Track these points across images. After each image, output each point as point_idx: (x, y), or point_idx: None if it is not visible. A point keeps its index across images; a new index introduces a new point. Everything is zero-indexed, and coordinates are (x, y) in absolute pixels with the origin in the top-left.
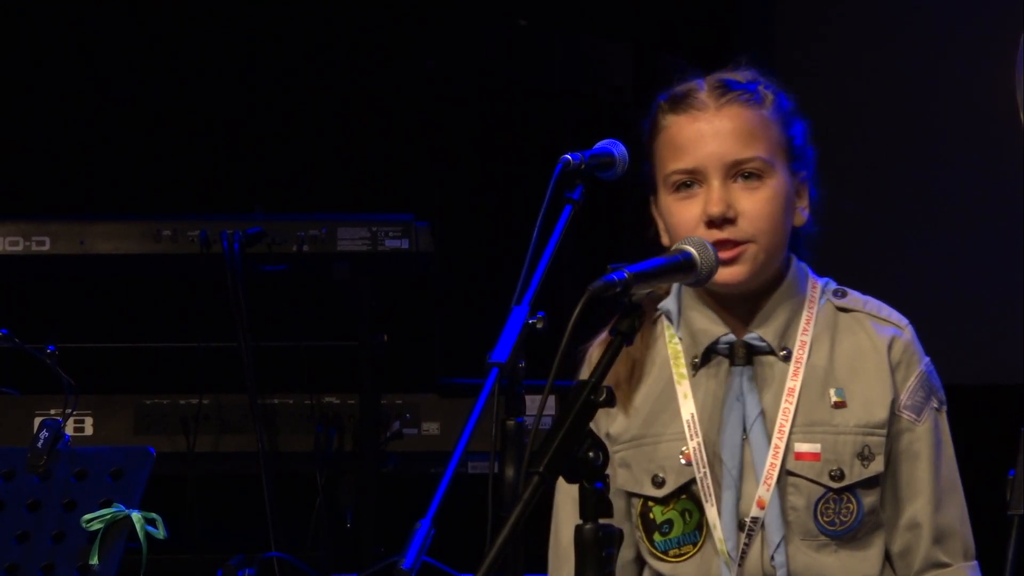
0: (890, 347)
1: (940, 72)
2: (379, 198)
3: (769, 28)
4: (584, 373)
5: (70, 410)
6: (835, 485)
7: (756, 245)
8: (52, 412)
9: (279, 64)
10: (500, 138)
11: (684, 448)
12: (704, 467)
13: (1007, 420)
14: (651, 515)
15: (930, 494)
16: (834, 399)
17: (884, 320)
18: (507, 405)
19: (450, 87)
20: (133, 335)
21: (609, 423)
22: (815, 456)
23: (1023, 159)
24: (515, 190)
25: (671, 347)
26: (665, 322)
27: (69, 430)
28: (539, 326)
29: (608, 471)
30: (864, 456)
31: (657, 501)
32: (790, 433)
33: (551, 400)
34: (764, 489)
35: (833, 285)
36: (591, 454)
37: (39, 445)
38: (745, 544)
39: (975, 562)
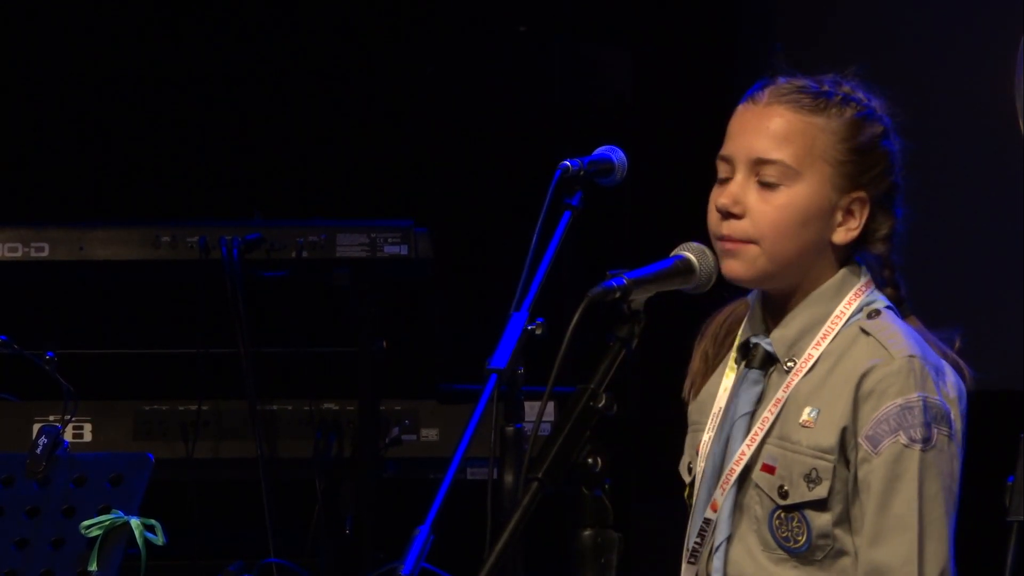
0: (865, 375)
1: (939, 78)
2: (378, 204)
3: (769, 35)
4: (698, 343)
5: (69, 416)
6: (781, 502)
7: (757, 247)
8: (51, 418)
9: (278, 70)
10: (499, 144)
11: (704, 439)
12: (703, 461)
13: (1007, 426)
14: (689, 501)
15: (869, 528)
16: (804, 418)
17: (882, 347)
18: (506, 411)
19: (450, 93)
20: (132, 341)
21: (689, 406)
22: (772, 470)
23: (1023, 166)
24: (514, 196)
25: (737, 339)
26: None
27: (68, 436)
28: (538, 332)
29: None
30: (811, 479)
31: (691, 488)
32: (762, 442)
33: (550, 406)
34: (719, 492)
35: (879, 305)
36: (590, 460)
37: (38, 451)
38: (696, 543)
39: None
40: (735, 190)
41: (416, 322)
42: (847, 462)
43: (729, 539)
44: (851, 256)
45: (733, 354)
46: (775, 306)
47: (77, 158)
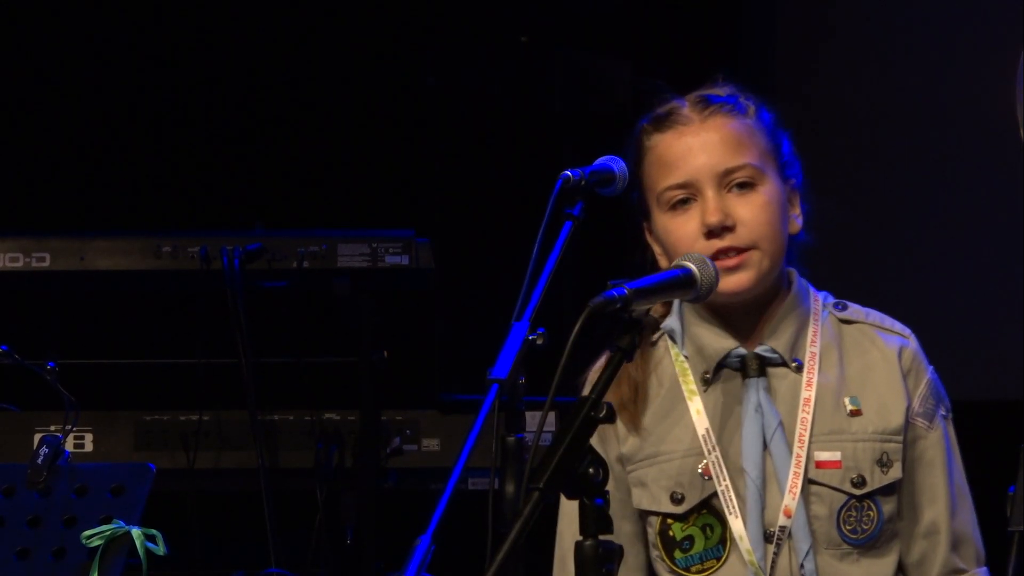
0: (900, 355)
1: (940, 87)
2: (379, 214)
3: (770, 44)
4: (618, 374)
5: (70, 426)
6: (857, 492)
7: (759, 251)
8: (52, 428)
9: (280, 80)
10: (500, 154)
11: (703, 463)
12: (725, 480)
13: (1007, 436)
14: (670, 532)
15: (946, 500)
16: (850, 407)
17: (889, 330)
18: (507, 421)
19: (451, 103)
20: (133, 351)
21: (620, 445)
22: (836, 464)
23: (1023, 175)
24: (515, 206)
25: (678, 365)
26: (668, 341)
27: (69, 446)
28: (539, 342)
29: (610, 489)
30: (883, 463)
31: (676, 518)
32: (809, 442)
33: (551, 416)
34: (790, 498)
35: (832, 299)
36: (591, 470)
37: (39, 461)
38: (775, 554)
39: (986, 568)
40: (718, 205)
41: (417, 332)
42: (904, 441)
43: (812, 546)
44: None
45: (684, 378)
46: (742, 315)
47: (78, 168)
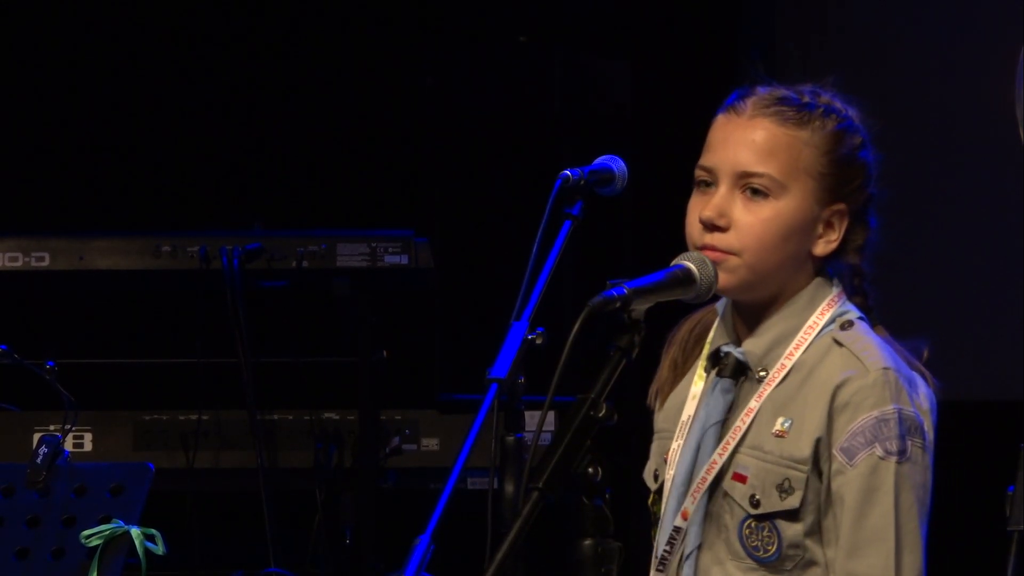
0: (840, 386)
1: (939, 88)
2: (378, 214)
3: (769, 45)
4: (665, 351)
5: (69, 426)
6: (752, 511)
7: (739, 259)
8: (51, 428)
9: (279, 80)
10: (499, 154)
11: (672, 447)
12: (671, 469)
13: (1007, 436)
14: (654, 508)
15: (845, 540)
16: (777, 428)
17: (856, 359)
18: (506, 421)
19: (450, 103)
20: (132, 351)
21: (656, 414)
22: (743, 479)
23: (1023, 175)
24: (514, 206)
25: (705, 348)
26: (716, 322)
27: (68, 446)
28: (538, 342)
29: None
30: (783, 488)
31: (656, 495)
32: (734, 451)
33: (551, 416)
34: (690, 500)
35: (852, 316)
36: (590, 470)
37: (38, 461)
38: (666, 551)
39: None
40: (719, 202)
41: (416, 332)
42: (820, 473)
43: (699, 548)
44: (825, 266)
45: (702, 363)
46: (748, 316)
47: (77, 168)
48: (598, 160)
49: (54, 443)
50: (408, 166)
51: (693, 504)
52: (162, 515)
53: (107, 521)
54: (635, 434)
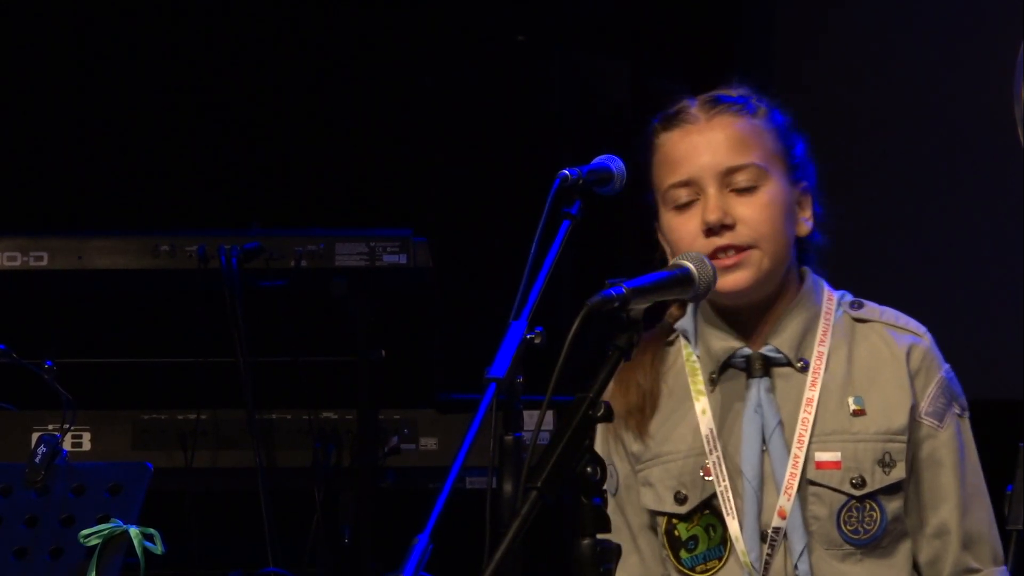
0: (909, 354)
1: (938, 88)
2: (377, 213)
3: (768, 45)
4: (623, 392)
5: (68, 425)
6: (857, 493)
7: (759, 251)
8: (50, 427)
9: (277, 79)
10: (498, 153)
11: (705, 463)
12: (724, 480)
13: (1006, 436)
14: (676, 532)
15: (956, 500)
16: (853, 407)
17: (902, 328)
18: (505, 420)
19: (449, 102)
20: (131, 350)
21: (630, 443)
22: (836, 464)
23: (1022, 174)
24: (513, 205)
25: (689, 365)
26: (682, 341)
27: (67, 445)
28: (537, 341)
29: (606, 487)
30: (885, 463)
31: (681, 518)
32: (809, 443)
33: (549, 415)
34: (785, 499)
35: (849, 297)
36: (589, 469)
37: (37, 460)
38: (768, 555)
39: (1004, 567)
40: (718, 203)
41: (415, 331)
42: (909, 440)
43: (808, 546)
44: (799, 251)
45: (693, 378)
46: (745, 317)
47: (76, 167)
48: (597, 160)
49: (52, 442)
50: (407, 166)
51: (789, 502)
52: (161, 514)
53: (106, 520)
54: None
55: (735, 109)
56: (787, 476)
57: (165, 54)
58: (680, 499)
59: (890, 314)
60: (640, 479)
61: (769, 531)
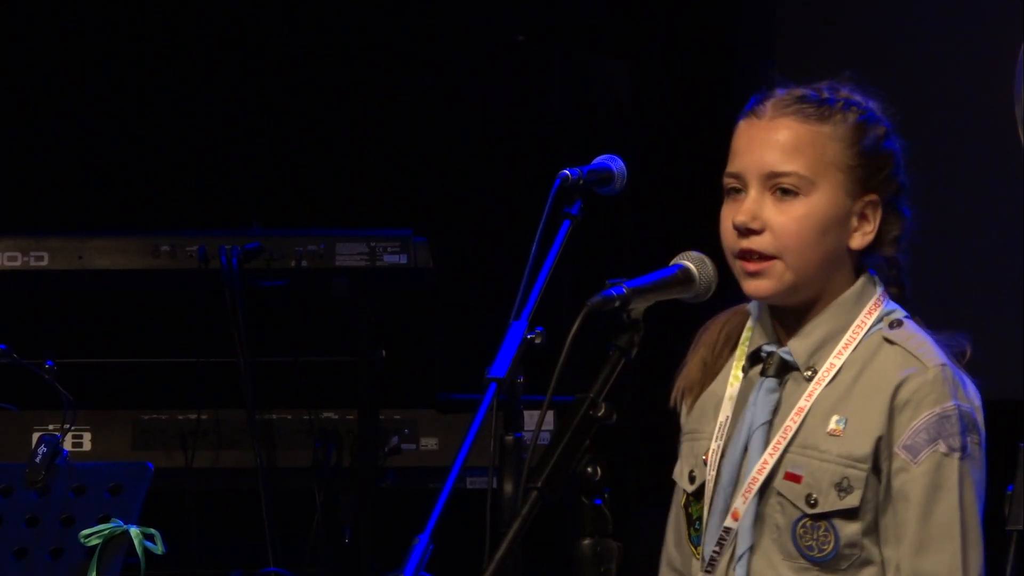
0: (900, 384)
1: (938, 87)
2: (377, 213)
3: (767, 45)
4: (693, 351)
5: (68, 425)
6: (809, 511)
7: (782, 263)
8: (50, 427)
9: (278, 80)
10: (498, 153)
11: (709, 448)
12: (713, 471)
13: (1006, 436)
14: (690, 509)
15: (912, 538)
16: (832, 427)
17: (913, 357)
18: (506, 420)
19: (449, 103)
20: (131, 351)
21: (684, 413)
22: (798, 479)
23: (1022, 174)
24: (513, 205)
25: (740, 349)
26: (749, 322)
27: (67, 445)
28: (538, 341)
29: None
30: (842, 487)
31: (693, 496)
32: (785, 451)
33: (549, 415)
34: (740, 501)
35: (899, 315)
36: (589, 469)
37: (37, 460)
38: (715, 552)
39: None
40: (751, 206)
41: (415, 331)
42: (879, 472)
43: (751, 549)
44: (863, 262)
45: (737, 363)
46: (789, 317)
47: (76, 167)
48: (597, 160)
49: (53, 442)
50: (407, 166)
51: (744, 504)
52: (161, 514)
53: (106, 520)
54: (637, 434)
55: (806, 113)
56: (749, 480)
57: (165, 54)
58: (691, 478)
59: (916, 340)
60: (679, 451)
61: (720, 531)
